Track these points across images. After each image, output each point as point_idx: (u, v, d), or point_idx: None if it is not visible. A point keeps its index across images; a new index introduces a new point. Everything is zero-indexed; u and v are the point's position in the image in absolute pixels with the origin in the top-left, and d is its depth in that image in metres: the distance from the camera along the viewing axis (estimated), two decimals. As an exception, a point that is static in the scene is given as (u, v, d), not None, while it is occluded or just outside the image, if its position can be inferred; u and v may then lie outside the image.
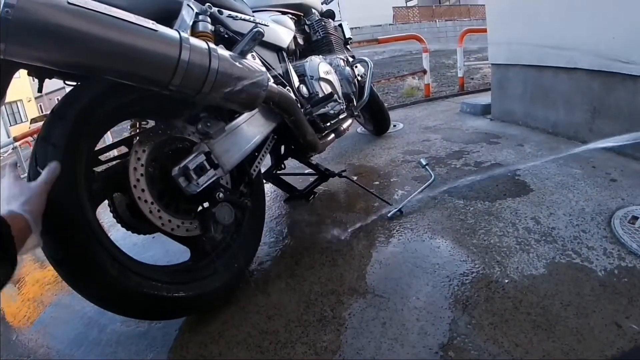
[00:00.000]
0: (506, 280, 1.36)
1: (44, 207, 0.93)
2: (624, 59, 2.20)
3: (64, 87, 1.12)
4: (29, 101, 23.93)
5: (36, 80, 1.08)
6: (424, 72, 5.27)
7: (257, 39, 1.28)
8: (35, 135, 1.08)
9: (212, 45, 1.16)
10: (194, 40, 1.10)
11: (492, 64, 3.68)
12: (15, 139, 5.49)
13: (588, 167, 2.21)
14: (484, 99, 3.95)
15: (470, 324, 1.19)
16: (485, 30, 3.76)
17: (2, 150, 5.97)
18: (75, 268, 1.06)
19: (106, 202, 1.27)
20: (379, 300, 1.36)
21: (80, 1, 0.88)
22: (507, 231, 1.66)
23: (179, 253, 1.51)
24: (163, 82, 1.05)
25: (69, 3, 0.85)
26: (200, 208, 1.38)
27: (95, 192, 1.17)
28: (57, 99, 1.15)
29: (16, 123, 22.34)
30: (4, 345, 1.45)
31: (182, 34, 1.08)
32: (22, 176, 1.01)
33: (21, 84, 19.60)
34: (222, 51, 1.18)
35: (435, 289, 1.37)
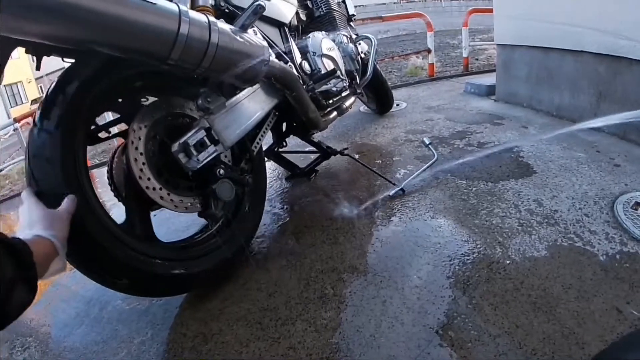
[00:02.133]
0: (507, 262, 1.36)
1: (68, 232, 0.95)
2: (632, 40, 2.16)
3: (64, 67, 1.10)
4: (29, 82, 23.74)
5: (34, 59, 1.06)
6: (428, 51, 5.20)
7: (259, 13, 1.25)
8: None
9: (212, 18, 1.13)
10: (194, 14, 1.07)
11: (497, 45, 3.62)
12: (16, 120, 5.46)
13: (592, 151, 2.19)
14: (489, 79, 3.90)
15: (470, 304, 1.19)
16: (491, 10, 3.69)
17: (2, 132, 5.96)
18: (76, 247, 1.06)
19: (107, 180, 1.27)
20: (380, 278, 1.36)
21: None
22: (509, 212, 1.65)
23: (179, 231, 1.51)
24: (161, 56, 1.02)
25: None
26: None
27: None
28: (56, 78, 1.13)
29: (17, 104, 22.22)
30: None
31: (181, 7, 1.05)
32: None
33: (21, 65, 19.45)
34: (222, 25, 1.15)
35: (436, 269, 1.36)
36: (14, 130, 5.90)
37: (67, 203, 0.98)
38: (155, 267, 1.18)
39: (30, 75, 23.02)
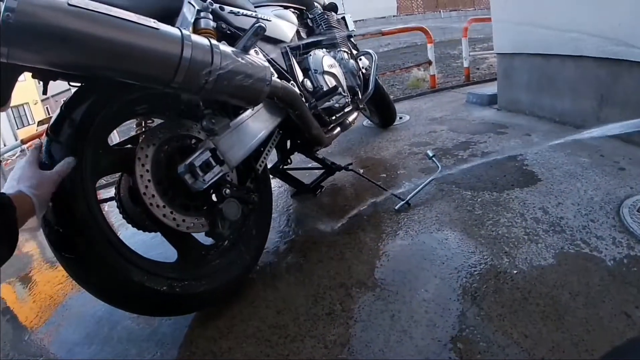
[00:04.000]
0: (515, 271, 1.36)
1: (51, 194, 0.96)
2: (631, 44, 2.17)
3: (69, 89, 1.13)
4: (35, 104, 24.11)
5: (41, 83, 1.08)
6: (429, 63, 5.23)
7: (259, 34, 1.27)
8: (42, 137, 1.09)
9: (214, 41, 1.15)
10: (196, 38, 1.10)
11: (497, 54, 3.64)
12: (23, 142, 5.53)
13: (596, 155, 2.19)
14: (490, 89, 3.92)
15: (479, 315, 1.19)
16: (490, 19, 3.72)
17: (9, 154, 6.06)
18: (83, 265, 1.08)
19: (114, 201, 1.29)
20: (388, 293, 1.36)
21: (81, 2, 0.87)
22: (515, 222, 1.65)
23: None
24: (165, 80, 1.05)
25: (69, 5, 0.85)
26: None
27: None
28: (63, 101, 1.16)
29: (23, 126, 22.61)
30: (15, 346, 1.47)
31: (184, 31, 1.08)
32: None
33: (27, 87, 19.76)
34: (224, 47, 1.18)
35: (444, 281, 1.36)
36: (20, 151, 5.97)
37: (61, 165, 0.99)
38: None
39: (36, 97, 23.39)
